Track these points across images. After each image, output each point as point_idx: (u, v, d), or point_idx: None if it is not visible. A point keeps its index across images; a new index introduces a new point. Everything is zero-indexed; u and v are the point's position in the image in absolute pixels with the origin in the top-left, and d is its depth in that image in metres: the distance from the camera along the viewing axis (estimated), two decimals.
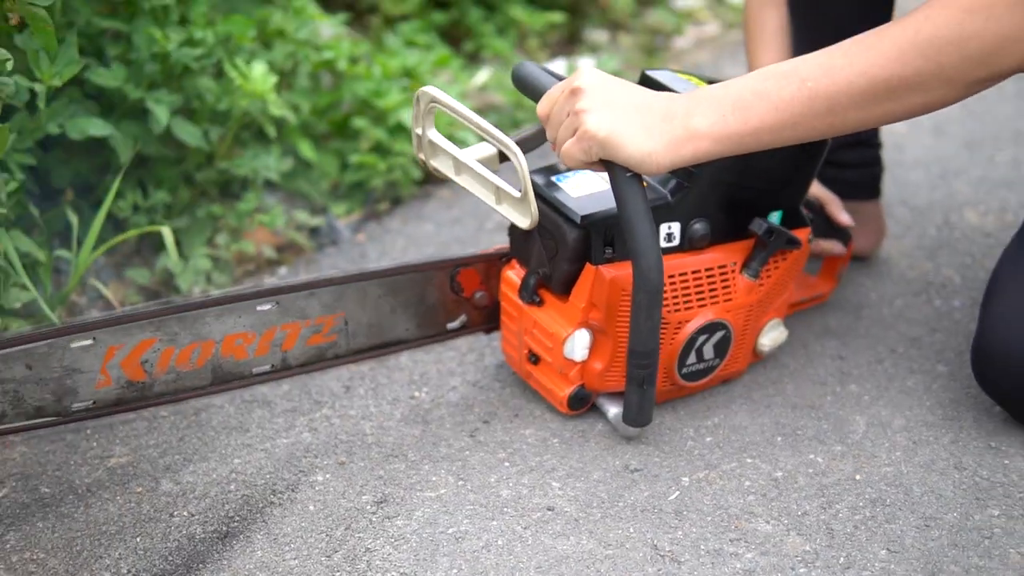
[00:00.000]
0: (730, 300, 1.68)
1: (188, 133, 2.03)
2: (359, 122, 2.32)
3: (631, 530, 1.52)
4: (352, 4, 2.94)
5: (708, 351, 1.70)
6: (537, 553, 1.48)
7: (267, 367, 1.61)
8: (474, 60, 2.90)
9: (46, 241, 1.96)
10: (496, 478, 1.61)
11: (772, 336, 1.78)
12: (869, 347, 1.90)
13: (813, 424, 1.72)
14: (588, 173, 1.65)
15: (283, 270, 2.11)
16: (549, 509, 1.55)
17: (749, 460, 1.65)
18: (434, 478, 1.61)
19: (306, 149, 2.25)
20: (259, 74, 2.09)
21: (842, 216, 1.91)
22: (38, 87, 1.82)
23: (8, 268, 1.78)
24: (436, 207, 2.32)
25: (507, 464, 1.63)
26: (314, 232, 2.22)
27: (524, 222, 1.55)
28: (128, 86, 1.99)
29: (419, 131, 1.62)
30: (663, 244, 1.62)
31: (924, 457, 1.66)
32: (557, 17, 2.97)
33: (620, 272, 1.59)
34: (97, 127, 1.90)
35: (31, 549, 1.49)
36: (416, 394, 1.77)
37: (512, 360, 1.75)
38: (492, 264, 1.72)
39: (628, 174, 1.47)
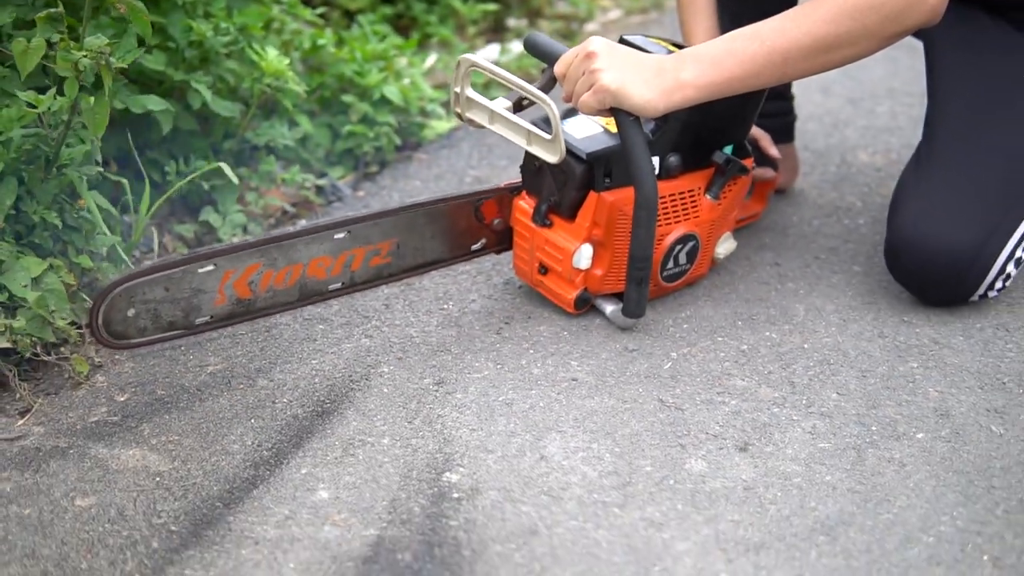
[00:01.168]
0: (698, 216, 2.12)
1: (223, 107, 2.40)
2: (347, 98, 2.71)
3: (640, 390, 1.95)
4: (309, 1, 3.32)
5: (682, 258, 2.13)
6: (572, 409, 1.90)
7: (339, 284, 1.99)
8: (421, 46, 3.30)
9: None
10: (526, 361, 2.02)
11: (726, 246, 2.21)
12: (798, 256, 2.35)
13: (764, 312, 2.17)
14: (583, 119, 2.07)
15: (302, 221, 2.49)
16: (573, 379, 1.97)
17: (720, 339, 2.09)
18: (476, 364, 2.01)
19: (305, 122, 2.63)
20: (274, 56, 2.47)
21: (772, 150, 2.36)
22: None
23: (93, 221, 2.14)
24: (418, 167, 2.72)
25: (531, 351, 2.04)
26: (319, 191, 2.60)
27: (553, 158, 1.95)
28: (170, 69, 2.36)
29: (458, 90, 2.02)
30: None
31: (854, 330, 2.11)
32: (491, 7, 3.38)
33: (618, 196, 2.01)
34: (154, 103, 2.26)
35: (166, 434, 1.86)
36: (445, 307, 2.17)
37: (523, 273, 2.16)
38: (506, 196, 2.13)
39: (631, 118, 1.90)
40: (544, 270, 2.11)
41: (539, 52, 2.02)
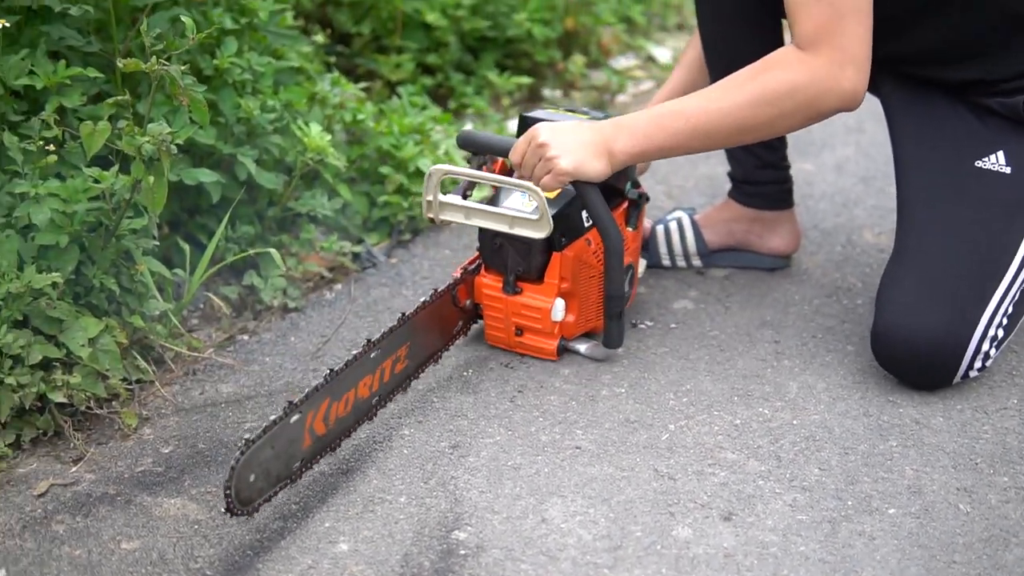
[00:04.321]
0: (628, 247, 2.37)
1: (267, 179, 2.61)
2: (384, 169, 2.91)
3: (638, 460, 2.12)
4: (353, 69, 3.54)
5: (626, 286, 2.37)
6: (574, 476, 2.08)
7: (376, 398, 2.17)
8: (457, 115, 3.50)
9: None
10: (535, 428, 2.20)
11: (641, 266, 2.56)
12: (796, 334, 2.52)
13: (759, 388, 2.34)
14: (516, 195, 2.32)
15: (338, 286, 2.69)
16: (577, 448, 2.15)
17: (716, 413, 2.26)
18: (489, 430, 2.20)
19: (344, 191, 2.83)
20: (316, 132, 2.67)
21: None
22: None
23: (147, 285, 2.34)
24: (448, 236, 2.92)
25: (541, 419, 2.23)
26: (355, 257, 2.80)
27: (542, 234, 2.24)
28: (220, 143, 2.56)
29: (430, 198, 2.30)
30: (585, 225, 2.32)
31: (841, 408, 2.28)
32: (525, 79, 3.58)
33: (575, 250, 2.31)
34: (205, 175, 2.46)
35: (205, 485, 2.06)
36: (465, 374, 2.36)
37: (499, 340, 2.41)
38: (471, 278, 2.38)
39: (590, 186, 2.21)
40: (520, 331, 2.36)
41: (477, 146, 2.34)
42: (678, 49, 4.27)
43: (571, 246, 2.31)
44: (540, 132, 2.22)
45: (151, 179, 2.17)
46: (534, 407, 2.26)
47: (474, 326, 2.47)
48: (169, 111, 2.42)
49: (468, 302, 2.40)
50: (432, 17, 3.51)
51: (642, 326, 2.52)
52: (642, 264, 2.57)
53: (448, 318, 2.36)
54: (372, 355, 2.12)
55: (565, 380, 2.34)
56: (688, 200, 3.11)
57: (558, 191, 2.29)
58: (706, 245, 2.74)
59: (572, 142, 2.20)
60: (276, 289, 2.60)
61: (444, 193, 2.33)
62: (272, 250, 2.54)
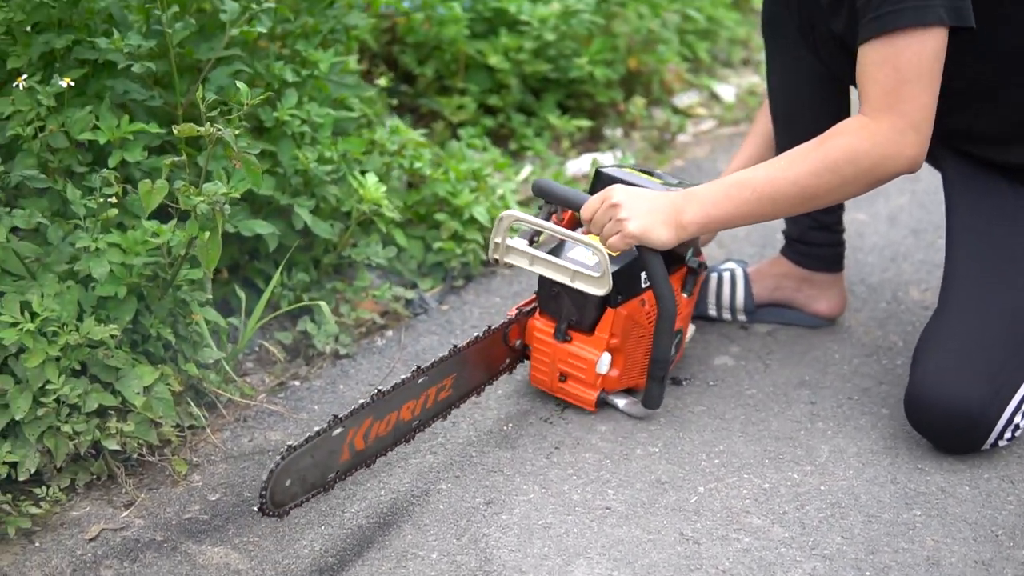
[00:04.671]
0: (680, 313, 2.43)
1: (323, 229, 2.70)
2: (440, 216, 2.99)
3: (665, 522, 2.19)
4: (416, 109, 3.63)
5: (672, 349, 2.42)
6: (601, 537, 2.15)
7: (417, 422, 2.27)
8: (516, 157, 3.57)
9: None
10: (568, 487, 2.27)
11: (690, 331, 2.61)
12: (832, 396, 2.57)
13: (790, 451, 2.39)
14: (580, 247, 2.38)
15: (389, 332, 2.77)
16: (607, 508, 2.22)
17: (745, 475, 2.32)
18: (524, 487, 2.27)
19: (400, 237, 2.92)
20: (372, 183, 2.75)
21: None
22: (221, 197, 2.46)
23: (202, 334, 2.44)
24: (500, 283, 2.99)
25: (575, 477, 2.30)
26: (408, 303, 2.88)
27: (601, 291, 2.31)
28: (278, 193, 2.66)
29: (498, 240, 2.39)
30: (642, 286, 2.39)
31: (869, 474, 2.33)
32: (584, 122, 3.65)
33: (629, 309, 2.38)
34: (262, 227, 2.55)
35: (247, 535, 2.15)
36: (505, 428, 2.43)
37: (542, 383, 2.48)
38: (524, 320, 2.46)
39: (653, 253, 2.28)
40: (563, 378, 2.44)
41: (551, 197, 2.40)
42: (741, 86, 4.31)
43: (626, 304, 2.38)
44: (615, 193, 2.28)
45: (206, 236, 2.25)
46: (569, 464, 2.33)
47: (521, 370, 2.56)
48: (228, 164, 2.50)
49: (518, 342, 2.47)
50: (495, 59, 3.59)
51: (684, 382, 2.58)
52: (691, 329, 2.63)
53: (496, 355, 2.44)
54: (419, 381, 2.22)
55: (602, 437, 2.41)
56: (739, 249, 3.16)
57: None
58: (753, 302, 2.79)
59: (644, 208, 2.26)
60: (329, 336, 2.69)
61: (511, 237, 2.41)
62: (322, 303, 2.63)
